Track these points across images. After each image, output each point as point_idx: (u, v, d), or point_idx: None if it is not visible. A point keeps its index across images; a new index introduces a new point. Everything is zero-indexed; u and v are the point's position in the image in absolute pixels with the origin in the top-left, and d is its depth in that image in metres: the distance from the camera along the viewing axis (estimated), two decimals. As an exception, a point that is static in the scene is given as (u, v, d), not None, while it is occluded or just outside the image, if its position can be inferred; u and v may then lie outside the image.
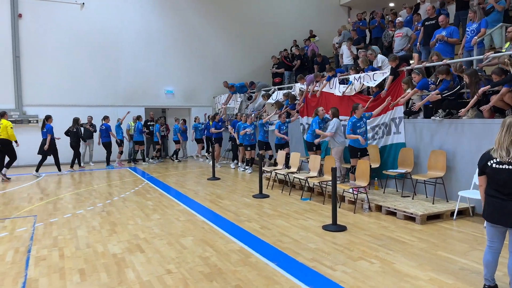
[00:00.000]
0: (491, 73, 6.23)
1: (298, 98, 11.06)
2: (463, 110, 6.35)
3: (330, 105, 9.54)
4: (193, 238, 5.44)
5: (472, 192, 6.16)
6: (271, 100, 12.12)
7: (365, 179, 7.03)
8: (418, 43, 9.31)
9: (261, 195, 8.18)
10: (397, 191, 7.83)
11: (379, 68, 8.81)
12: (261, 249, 4.98)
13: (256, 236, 5.50)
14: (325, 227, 5.85)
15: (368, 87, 9.16)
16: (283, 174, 8.88)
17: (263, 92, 12.86)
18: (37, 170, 11.52)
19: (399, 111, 7.95)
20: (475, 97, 6.16)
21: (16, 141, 10.88)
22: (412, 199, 7.08)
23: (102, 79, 14.86)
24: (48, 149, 11.39)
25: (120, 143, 13.81)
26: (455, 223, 6.06)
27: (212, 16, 16.79)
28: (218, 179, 10.55)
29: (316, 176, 8.13)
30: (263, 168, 9.65)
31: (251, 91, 13.86)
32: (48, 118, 11.69)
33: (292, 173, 8.75)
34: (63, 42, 14.27)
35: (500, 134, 3.44)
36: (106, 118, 13.52)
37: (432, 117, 7.19)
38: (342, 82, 9.59)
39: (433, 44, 8.16)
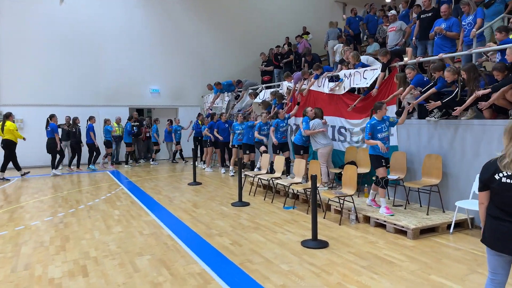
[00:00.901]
0: (492, 69, 5.53)
1: (286, 97, 10.36)
2: (458, 108, 5.64)
3: (318, 104, 8.84)
4: (151, 258, 4.74)
5: (471, 203, 5.47)
6: (258, 100, 11.41)
7: (352, 186, 6.32)
8: (414, 37, 8.62)
9: (240, 203, 7.48)
10: (388, 199, 7.12)
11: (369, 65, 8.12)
12: (225, 272, 4.28)
13: (224, 255, 4.80)
14: (304, 243, 5.14)
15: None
16: (267, 180, 8.17)
17: (250, 91, 12.15)
18: (56, 168, 11.68)
19: (391, 111, 7.25)
20: (473, 95, 5.46)
21: (24, 138, 11.24)
22: (405, 208, 6.38)
23: (82, 77, 14.15)
24: (53, 148, 11.42)
25: (108, 145, 13.32)
26: (451, 238, 5.36)
27: (201, 12, 16.09)
28: (199, 184, 9.85)
29: (300, 183, 7.43)
30: (245, 173, 8.95)
31: (238, 89, 13.15)
32: (52, 117, 11.50)
33: (276, 178, 8.05)
34: (41, 39, 13.55)
35: (507, 144, 2.71)
36: (91, 118, 12.90)
37: (427, 118, 6.50)
38: (332, 79, 8.88)
39: (432, 36, 7.46)
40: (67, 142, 12.74)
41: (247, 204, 7.50)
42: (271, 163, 8.91)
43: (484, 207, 2.87)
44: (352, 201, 6.26)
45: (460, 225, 5.75)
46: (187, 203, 7.71)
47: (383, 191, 6.11)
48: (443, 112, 6.23)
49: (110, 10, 14.56)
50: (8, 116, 11.04)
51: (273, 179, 8.05)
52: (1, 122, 10.96)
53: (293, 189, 7.38)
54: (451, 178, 6.16)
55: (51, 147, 11.46)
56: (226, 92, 13.63)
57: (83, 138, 12.74)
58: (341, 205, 6.33)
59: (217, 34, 16.34)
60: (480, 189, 2.88)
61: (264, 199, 7.94)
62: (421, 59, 6.90)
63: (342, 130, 8.46)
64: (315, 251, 4.89)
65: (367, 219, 6.13)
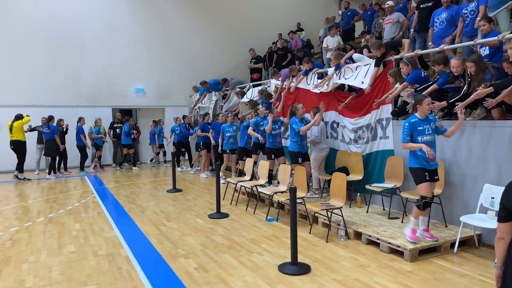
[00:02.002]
0: (502, 60, 4.75)
1: (274, 96, 9.56)
2: (459, 105, 4.83)
3: (306, 103, 8.04)
4: (95, 288, 3.95)
5: (478, 217, 4.68)
6: (245, 99, 10.62)
7: (340, 197, 5.53)
8: (412, 29, 7.84)
9: (218, 215, 6.69)
10: (383, 209, 6.34)
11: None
12: (179, 310, 3.49)
13: (183, 285, 4.01)
14: (282, 268, 4.35)
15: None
16: (250, 188, 7.38)
17: (237, 90, 11.36)
18: (49, 173, 11.36)
19: (386, 110, 6.47)
20: (477, 92, 4.67)
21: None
22: (402, 222, 5.59)
23: (62, 76, 13.33)
24: (53, 150, 11.25)
25: (98, 147, 12.64)
26: (456, 260, 4.57)
27: (189, 7, 15.29)
28: (180, 191, 9.05)
29: (285, 191, 6.64)
30: (228, 179, 8.15)
31: (225, 88, 12.35)
32: (50, 118, 11.32)
33: (261, 186, 7.26)
34: (17, 36, 12.74)
35: None
36: (80, 119, 12.20)
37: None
38: (321, 77, 8.10)
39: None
40: (42, 145, 11.96)
41: (225, 215, 6.71)
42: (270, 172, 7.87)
43: (506, 244, 2.09)
44: (341, 214, 5.46)
45: (465, 243, 4.96)
46: (160, 215, 6.91)
47: (418, 212, 4.71)
48: (446, 112, 5.43)
49: (92, 5, 13.74)
50: (19, 118, 10.92)
51: (256, 186, 7.26)
52: (11, 122, 10.89)
53: (277, 200, 6.58)
54: (454, 187, 5.37)
55: (51, 149, 11.21)
56: (213, 92, 12.83)
57: (71, 141, 12.14)
58: (329, 219, 5.54)
59: (206, 31, 15.53)
60: (502, 219, 2.10)
61: (246, 209, 7.15)
62: (420, 52, 6.10)
63: (335, 125, 7.65)
64: (293, 279, 4.10)
65: (358, 235, 5.35)
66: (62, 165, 12.04)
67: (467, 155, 5.20)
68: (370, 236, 5.09)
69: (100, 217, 6.80)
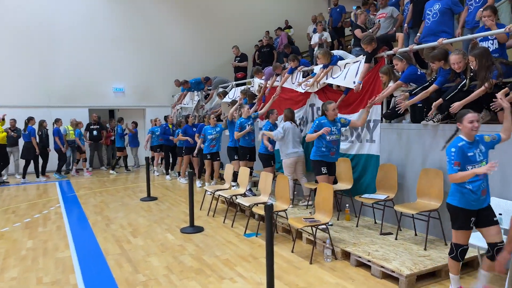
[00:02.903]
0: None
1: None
2: (455, 105, 4.19)
3: (288, 103, 7.39)
4: (25, 332, 3.23)
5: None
6: (227, 99, 9.92)
7: (327, 212, 4.86)
8: (405, 25, 7.20)
9: (192, 229, 5.99)
10: (375, 222, 5.70)
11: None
12: None
13: (135, 325, 3.31)
14: (256, 300, 3.68)
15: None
16: (228, 197, 6.68)
17: (219, 89, 10.66)
18: (24, 177, 10.91)
19: (375, 112, 5.82)
20: (482, 87, 4.05)
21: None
22: (396, 238, 4.94)
23: (31, 74, 12.45)
24: (29, 153, 10.84)
25: (81, 150, 12.05)
26: (459, 287, 3.92)
27: (170, 2, 14.53)
28: (154, 199, 8.33)
29: (266, 203, 5.95)
30: (205, 187, 7.45)
31: (208, 88, 11.64)
32: (30, 119, 11.04)
33: (240, 196, 6.57)
34: (-16, 31, 11.89)
35: None
36: (57, 121, 11.43)
37: (423, 122, 5.07)
38: (307, 75, 7.45)
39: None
40: (12, 148, 11.14)
41: (200, 229, 6.01)
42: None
43: None
44: (327, 231, 4.80)
45: (468, 265, 4.33)
46: (127, 228, 6.19)
47: (455, 265, 3.53)
48: (445, 115, 4.80)
49: (65, -2, 12.93)
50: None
51: (235, 196, 6.57)
52: None
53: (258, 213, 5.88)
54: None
55: (28, 152, 10.81)
56: (195, 91, 12.11)
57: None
58: (314, 235, 4.88)
59: (190, 27, 14.79)
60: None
61: (224, 221, 6.46)
62: (416, 47, 5.46)
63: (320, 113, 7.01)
64: (268, 315, 3.42)
65: (347, 255, 4.69)
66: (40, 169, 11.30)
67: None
68: (360, 257, 4.43)
69: (58, 232, 6.04)
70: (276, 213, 5.48)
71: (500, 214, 4.03)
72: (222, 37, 14.99)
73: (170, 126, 11.25)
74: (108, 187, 9.98)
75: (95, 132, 12.64)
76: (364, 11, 7.95)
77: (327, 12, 15.69)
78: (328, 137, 5.39)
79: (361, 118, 5.71)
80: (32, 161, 10.99)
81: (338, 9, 11.78)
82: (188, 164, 10.19)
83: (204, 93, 11.89)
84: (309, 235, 5.20)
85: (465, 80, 4.38)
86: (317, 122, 5.48)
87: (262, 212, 5.43)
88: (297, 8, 16.18)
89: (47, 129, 11.34)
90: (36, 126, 11.11)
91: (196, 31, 14.84)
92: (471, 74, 4.35)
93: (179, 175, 10.54)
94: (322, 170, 5.53)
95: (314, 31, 11.03)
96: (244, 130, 7.33)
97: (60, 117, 11.71)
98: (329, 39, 10.02)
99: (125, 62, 13.80)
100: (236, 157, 7.88)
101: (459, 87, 4.39)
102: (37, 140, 10.95)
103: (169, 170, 11.24)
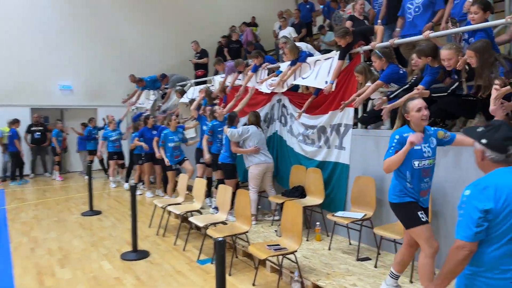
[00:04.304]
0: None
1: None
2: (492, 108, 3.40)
3: (254, 105, 6.55)
4: None
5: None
6: (185, 99, 8.95)
7: (295, 236, 4.03)
8: (379, 21, 6.51)
9: (134, 255, 5.00)
10: (349, 244, 4.94)
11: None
12: None
13: None
14: None
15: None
16: (180, 214, 5.73)
17: (177, 88, 9.66)
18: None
19: (347, 115, 5.08)
20: (497, 86, 3.36)
21: None
22: (375, 267, 4.19)
23: (-35, 69, 10.99)
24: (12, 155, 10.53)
25: (57, 153, 11.07)
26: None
27: (125, -7, 13.34)
28: (98, 213, 7.25)
29: (224, 222, 5.07)
30: (154, 201, 6.45)
31: (165, 86, 10.60)
32: (14, 122, 10.59)
33: (196, 212, 5.64)
34: None
35: None
36: (15, 122, 10.44)
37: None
38: (272, 72, 6.64)
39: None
40: None
41: (144, 255, 5.03)
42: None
43: None
44: (295, 260, 3.98)
45: None
46: (55, 254, 5.12)
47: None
48: (432, 121, 4.09)
49: (2, -16, 11.48)
50: None
51: (190, 213, 5.63)
52: None
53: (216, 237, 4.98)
54: (444, 220, 4.03)
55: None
56: (151, 90, 11.03)
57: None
58: (280, 265, 4.05)
59: (148, 21, 13.60)
60: None
61: (175, 243, 5.51)
62: (397, 41, 4.74)
63: (284, 111, 6.25)
64: None
65: (318, 289, 3.89)
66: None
67: (460, 180, 3.86)
68: (334, 294, 3.64)
69: (-34, 262, 4.90)
70: (235, 236, 4.61)
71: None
72: (182, 33, 13.85)
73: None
74: (48, 197, 8.76)
75: (37, 135, 11.29)
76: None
77: (294, 9, 15.04)
78: (417, 163, 3.12)
79: None
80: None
81: (308, 6, 11.11)
82: (150, 173, 8.67)
83: (161, 92, 10.83)
84: (274, 264, 4.37)
85: (457, 83, 3.67)
86: (396, 136, 3.13)
87: (220, 235, 4.52)
88: (264, 4, 15.34)
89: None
90: None
91: (154, 25, 13.67)
92: (466, 75, 3.66)
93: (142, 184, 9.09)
94: (421, 217, 3.16)
95: (280, 28, 10.29)
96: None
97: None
98: (294, 34, 9.28)
99: (73, 57, 12.47)
100: (202, 161, 6.87)
101: (449, 90, 3.68)
102: None
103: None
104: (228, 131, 5.72)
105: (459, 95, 3.64)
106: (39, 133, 11.34)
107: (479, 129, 2.05)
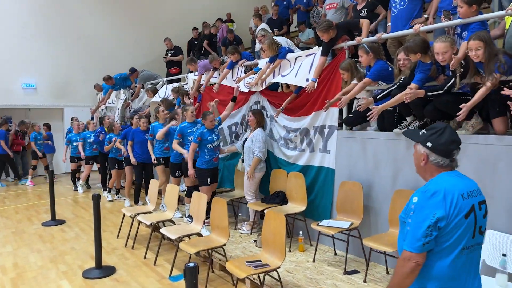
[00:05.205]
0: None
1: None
2: (463, 108, 3.17)
3: (235, 105, 6.11)
4: None
5: (483, 282, 3.04)
6: (156, 98, 8.41)
7: (278, 251, 3.63)
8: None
9: (98, 272, 4.49)
10: (335, 254, 4.60)
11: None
12: None
13: None
14: None
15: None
16: (150, 225, 5.24)
17: (148, 86, 9.11)
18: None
19: (331, 115, 4.74)
20: (489, 84, 3.07)
21: None
22: (365, 281, 3.84)
23: None
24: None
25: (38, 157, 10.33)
26: None
27: (93, -14, 12.61)
28: (61, 223, 6.66)
29: (199, 234, 4.63)
30: (122, 209, 5.91)
31: (135, 83, 10.00)
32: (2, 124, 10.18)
33: (169, 222, 5.17)
34: None
35: None
36: (3, 123, 9.98)
37: (395, 130, 4.03)
38: (249, 70, 6.23)
39: None
40: None
41: (110, 271, 4.53)
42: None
43: None
44: (278, 278, 3.58)
45: None
46: (8, 273, 4.55)
47: None
48: (424, 122, 3.78)
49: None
50: None
51: (158, 223, 5.16)
52: None
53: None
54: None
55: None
56: (121, 89, 10.41)
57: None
58: (262, 282, 3.65)
59: (117, 16, 12.91)
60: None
61: (145, 256, 5.02)
62: (385, 35, 4.41)
63: (274, 122, 5.72)
64: None
65: (304, 309, 3.51)
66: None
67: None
68: (323, 316, 3.27)
69: None
70: (211, 250, 4.17)
71: (504, 255, 3.06)
72: (154, 29, 13.26)
73: (107, 130, 8.50)
74: (7, 205, 8.06)
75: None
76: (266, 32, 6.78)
77: (270, 5, 14.65)
78: None
79: None
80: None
81: (285, 2, 10.75)
82: (131, 179, 7.66)
83: (131, 90, 10.24)
84: (255, 278, 3.96)
85: (453, 79, 3.36)
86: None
87: (193, 250, 4.08)
88: (240, 1, 14.89)
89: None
90: None
91: (123, 20, 12.99)
92: (461, 70, 3.35)
93: (118, 193, 8.39)
94: None
95: (256, 26, 9.89)
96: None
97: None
98: (269, 30, 8.89)
99: (37, 53, 11.67)
100: (178, 173, 6.27)
101: (446, 87, 3.37)
102: None
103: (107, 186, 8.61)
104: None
105: (456, 94, 3.33)
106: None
107: (422, 132, 1.96)
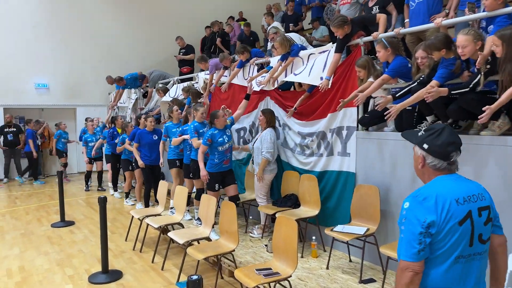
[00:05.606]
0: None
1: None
2: (488, 109, 2.93)
3: (238, 104, 5.92)
4: None
5: None
6: (167, 98, 8.29)
7: (290, 259, 3.44)
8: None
9: (104, 276, 4.36)
10: (350, 261, 4.38)
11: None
12: None
13: None
14: None
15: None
16: (159, 227, 5.10)
17: (159, 85, 9.01)
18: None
19: (350, 115, 4.51)
20: None
21: None
22: (382, 290, 3.63)
23: None
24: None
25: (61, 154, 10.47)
26: None
27: (106, -14, 12.59)
28: (71, 224, 6.58)
29: (207, 238, 4.47)
30: (131, 211, 5.79)
31: (146, 85, 9.92)
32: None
33: (178, 225, 5.03)
34: None
35: None
36: (29, 122, 10.16)
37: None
38: (262, 68, 6.05)
39: None
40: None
41: (116, 276, 4.40)
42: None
43: None
44: (289, 286, 3.40)
45: None
46: (14, 277, 4.46)
47: None
48: (451, 122, 3.53)
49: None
50: None
51: (167, 226, 5.02)
52: None
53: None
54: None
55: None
56: (132, 89, 10.34)
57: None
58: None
59: (129, 16, 12.86)
60: None
61: (153, 260, 4.89)
62: (403, 30, 4.17)
63: (287, 130, 5.51)
64: None
65: (317, 321, 3.31)
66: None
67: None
68: (337, 329, 3.06)
69: None
70: (220, 256, 4.00)
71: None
72: (166, 27, 13.18)
73: (119, 131, 8.35)
74: (18, 205, 8.04)
75: (10, 136, 10.53)
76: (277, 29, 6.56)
77: (283, 3, 14.41)
78: None
79: None
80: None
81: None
82: (142, 181, 7.31)
83: (142, 90, 10.15)
84: (265, 285, 3.78)
85: (479, 76, 3.12)
86: None
87: (201, 256, 3.92)
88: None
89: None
90: None
91: (135, 20, 12.94)
92: (488, 66, 3.11)
93: (127, 196, 7.98)
94: None
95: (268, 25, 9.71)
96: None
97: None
98: (281, 28, 8.69)
99: (50, 53, 11.72)
100: (191, 175, 5.91)
101: (471, 84, 3.13)
102: None
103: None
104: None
105: (482, 92, 3.09)
106: (12, 134, 10.58)
107: (420, 133, 1.86)
